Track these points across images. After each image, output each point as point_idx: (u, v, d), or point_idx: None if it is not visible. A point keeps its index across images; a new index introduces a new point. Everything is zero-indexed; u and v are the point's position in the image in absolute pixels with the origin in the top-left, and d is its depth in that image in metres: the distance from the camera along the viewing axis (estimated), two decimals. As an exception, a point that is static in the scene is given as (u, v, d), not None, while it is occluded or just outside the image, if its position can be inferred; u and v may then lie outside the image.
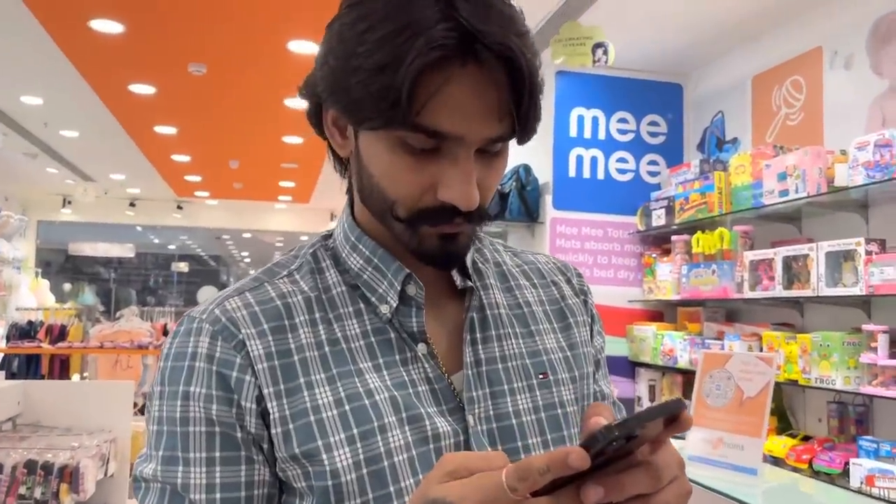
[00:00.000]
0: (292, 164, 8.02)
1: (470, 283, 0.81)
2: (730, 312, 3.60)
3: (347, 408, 0.71)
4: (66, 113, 6.27)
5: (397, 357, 0.75)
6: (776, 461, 2.85)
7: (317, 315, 0.76)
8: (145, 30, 4.21)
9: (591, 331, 0.90)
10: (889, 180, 2.43)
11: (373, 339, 0.76)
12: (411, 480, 0.70)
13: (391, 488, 0.69)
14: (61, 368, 6.05)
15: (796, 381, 2.79)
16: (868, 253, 2.49)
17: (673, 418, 0.52)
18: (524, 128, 0.69)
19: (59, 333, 6.37)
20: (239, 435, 0.71)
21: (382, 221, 0.75)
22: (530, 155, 4.11)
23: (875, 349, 2.48)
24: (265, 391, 0.71)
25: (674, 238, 3.64)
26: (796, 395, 3.15)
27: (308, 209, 11.57)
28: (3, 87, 5.52)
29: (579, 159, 3.99)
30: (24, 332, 6.45)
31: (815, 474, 2.66)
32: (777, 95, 3.42)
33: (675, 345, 3.56)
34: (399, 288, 0.77)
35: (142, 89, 5.38)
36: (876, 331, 2.49)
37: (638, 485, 0.51)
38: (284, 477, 0.72)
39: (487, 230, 0.88)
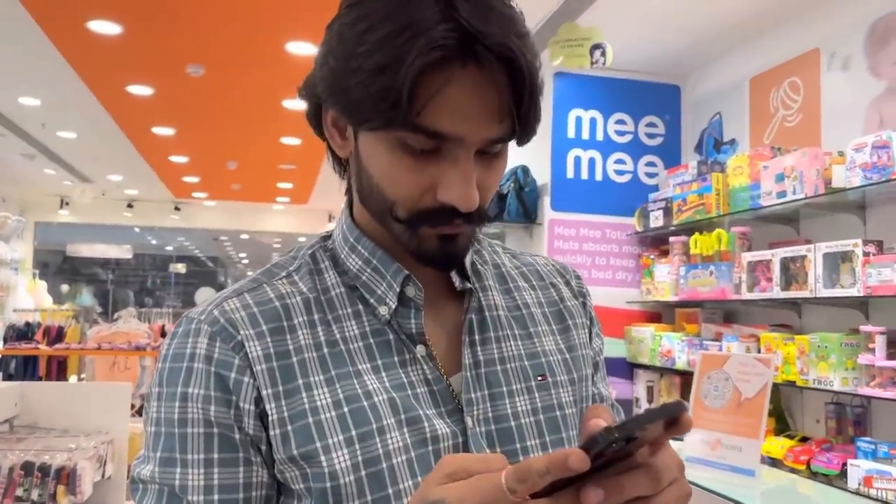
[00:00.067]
0: (290, 165, 8.02)
1: (469, 285, 0.81)
2: (728, 313, 3.61)
3: (346, 409, 0.71)
4: (64, 114, 6.26)
5: (396, 358, 0.75)
6: (774, 462, 2.86)
7: (315, 316, 0.76)
8: (143, 31, 4.21)
9: (590, 333, 0.90)
10: (886, 181, 2.44)
11: (371, 341, 0.75)
12: (410, 482, 0.70)
13: (390, 490, 0.69)
14: (59, 370, 6.04)
15: (794, 382, 2.79)
16: (866, 254, 2.50)
17: (673, 421, 0.52)
18: (524, 129, 0.69)
19: (56, 335, 6.36)
20: (237, 436, 0.70)
21: (382, 222, 0.75)
22: (528, 156, 4.11)
23: (873, 350, 2.49)
24: (264, 392, 0.71)
25: (672, 239, 3.64)
26: (794, 397, 3.15)
27: (306, 210, 11.56)
28: (0, 88, 5.51)
29: (577, 160, 3.99)
30: (21, 333, 6.43)
31: (813, 475, 2.66)
32: (775, 97, 3.43)
33: (673, 346, 3.56)
34: (398, 289, 0.76)
35: (139, 90, 5.37)
36: (874, 332, 2.49)
37: (638, 487, 0.51)
38: (283, 478, 0.72)
39: (485, 231, 0.88)
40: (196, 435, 0.70)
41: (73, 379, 5.98)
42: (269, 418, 0.70)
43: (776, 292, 2.87)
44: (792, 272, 2.82)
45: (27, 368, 6.05)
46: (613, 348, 3.87)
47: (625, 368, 3.94)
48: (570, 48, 3.22)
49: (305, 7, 3.69)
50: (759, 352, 2.99)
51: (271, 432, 0.70)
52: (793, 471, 2.75)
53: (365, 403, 0.71)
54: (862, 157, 2.51)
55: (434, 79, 0.64)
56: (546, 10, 3.38)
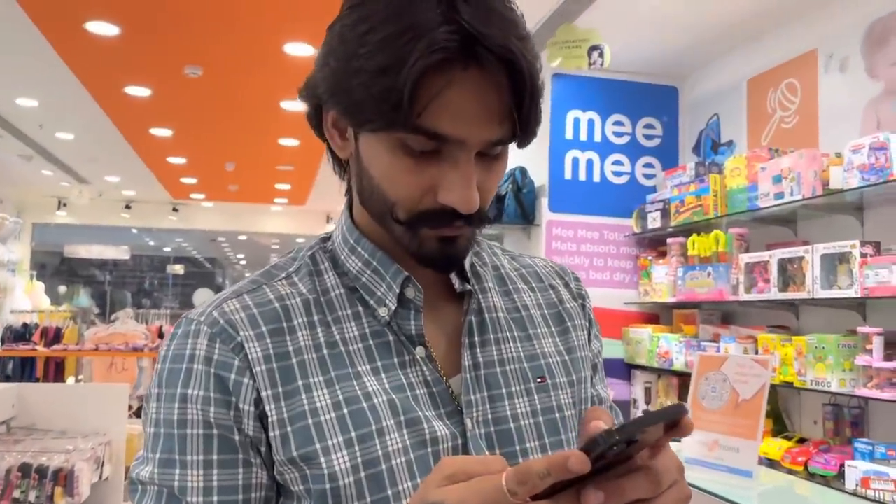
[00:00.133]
0: (288, 166, 8.02)
1: (468, 287, 0.81)
2: (725, 315, 3.61)
3: (346, 411, 0.71)
4: (62, 115, 6.25)
5: (395, 360, 0.75)
6: (772, 463, 2.86)
7: (315, 317, 0.76)
8: (141, 32, 4.21)
9: (589, 335, 0.90)
10: (884, 183, 2.44)
11: (371, 342, 0.75)
12: (409, 484, 0.70)
13: (389, 492, 0.69)
14: (56, 371, 6.04)
15: (792, 383, 2.79)
16: (863, 255, 2.50)
17: (674, 423, 0.52)
18: (525, 131, 0.69)
19: (53, 336, 6.36)
20: (237, 438, 0.70)
21: (382, 223, 0.75)
22: (526, 157, 4.11)
23: (870, 351, 2.49)
24: (263, 394, 0.71)
25: (669, 240, 3.64)
26: (792, 398, 3.15)
27: (304, 211, 11.55)
28: (-2, 88, 5.51)
29: (575, 162, 3.99)
30: (18, 334, 6.43)
31: (811, 476, 2.67)
32: (772, 98, 3.43)
33: (670, 347, 3.57)
34: (398, 291, 0.76)
35: (137, 91, 5.37)
36: (871, 333, 2.50)
37: (638, 489, 0.51)
38: (282, 480, 0.71)
39: (483, 233, 0.88)
40: (195, 436, 0.70)
41: (70, 380, 5.97)
42: (269, 419, 0.70)
43: (774, 293, 2.87)
44: (789, 273, 2.82)
45: (24, 370, 6.04)
46: (611, 349, 3.87)
47: (622, 369, 3.94)
48: (568, 49, 3.23)
49: (303, 8, 3.69)
50: (756, 353, 2.99)
51: (271, 433, 0.70)
52: (790, 472, 2.75)
53: (364, 405, 0.71)
54: (859, 158, 2.52)
55: (435, 80, 0.64)
56: (544, 11, 3.38)
